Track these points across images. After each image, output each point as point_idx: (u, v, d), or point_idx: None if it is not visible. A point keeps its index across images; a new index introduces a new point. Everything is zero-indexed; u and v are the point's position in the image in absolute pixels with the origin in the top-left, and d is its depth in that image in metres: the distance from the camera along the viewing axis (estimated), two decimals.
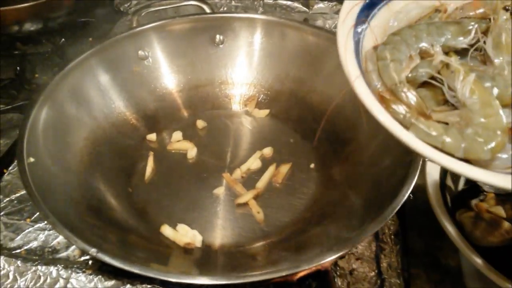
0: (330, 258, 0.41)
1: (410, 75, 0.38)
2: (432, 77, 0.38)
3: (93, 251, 0.40)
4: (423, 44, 0.39)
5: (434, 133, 0.35)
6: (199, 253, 0.55)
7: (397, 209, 0.45)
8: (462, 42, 0.39)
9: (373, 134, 0.59)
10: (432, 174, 0.56)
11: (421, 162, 0.50)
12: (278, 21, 0.71)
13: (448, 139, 0.35)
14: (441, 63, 0.37)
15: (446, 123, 0.36)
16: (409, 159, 0.50)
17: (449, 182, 0.59)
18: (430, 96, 0.38)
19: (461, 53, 0.40)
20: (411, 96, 0.37)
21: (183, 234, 0.56)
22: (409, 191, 0.46)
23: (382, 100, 0.37)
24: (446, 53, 0.39)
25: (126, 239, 0.53)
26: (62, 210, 0.48)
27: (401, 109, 0.36)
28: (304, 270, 0.42)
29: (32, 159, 0.50)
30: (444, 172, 0.59)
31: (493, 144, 0.34)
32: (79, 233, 0.43)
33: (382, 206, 0.47)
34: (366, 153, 0.60)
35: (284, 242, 0.54)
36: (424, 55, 0.39)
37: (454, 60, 0.37)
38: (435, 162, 0.34)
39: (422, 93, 0.38)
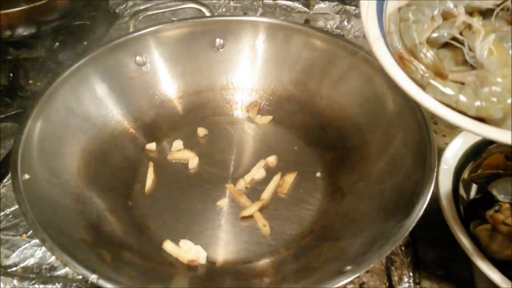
0: (342, 283, 0.39)
1: (432, 36, 0.38)
2: (454, 38, 0.38)
3: (93, 277, 0.38)
4: (447, 5, 0.39)
5: (449, 92, 0.36)
6: (203, 271, 0.52)
7: (412, 226, 0.43)
8: (488, 2, 0.39)
9: (384, 141, 0.57)
10: (445, 184, 0.54)
11: (435, 172, 0.48)
12: (282, 24, 0.68)
13: (462, 98, 0.36)
14: (463, 23, 0.38)
15: (463, 83, 0.37)
16: (423, 171, 0.47)
17: (461, 191, 0.57)
18: (450, 56, 0.39)
19: (487, 13, 0.40)
20: (430, 56, 0.37)
21: (186, 250, 0.54)
22: (424, 206, 0.44)
23: (401, 60, 0.37)
24: (470, 14, 0.39)
25: (127, 257, 0.51)
26: (60, 230, 0.45)
27: (419, 69, 0.37)
28: None
29: (27, 176, 0.47)
30: (456, 181, 0.57)
31: (505, 104, 0.35)
32: (78, 257, 0.40)
33: (396, 221, 0.45)
34: (376, 163, 0.57)
35: (293, 260, 0.51)
36: (447, 16, 0.39)
37: (476, 21, 0.38)
38: (446, 120, 0.35)
39: (443, 54, 0.39)
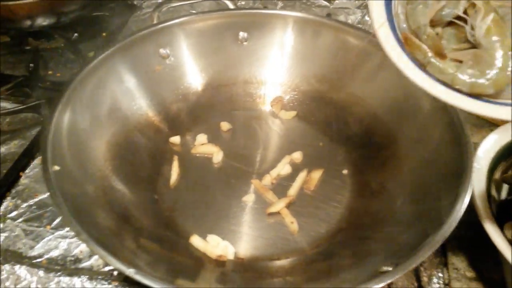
0: (381, 284, 0.38)
1: (438, 14, 0.39)
2: (458, 17, 0.39)
3: (130, 271, 0.37)
4: None
5: (446, 70, 0.38)
6: (230, 266, 0.52)
7: (452, 229, 0.42)
8: None
9: (416, 140, 0.56)
10: (478, 184, 0.53)
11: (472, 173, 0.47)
12: (311, 19, 0.67)
13: (458, 75, 0.37)
14: (468, 2, 0.38)
15: (462, 62, 0.38)
16: (459, 171, 0.46)
17: (493, 191, 0.56)
18: (453, 34, 0.40)
19: None
20: (431, 37, 0.38)
21: (214, 246, 0.53)
22: (463, 208, 0.43)
23: (406, 42, 0.39)
24: None
25: (155, 251, 0.50)
26: (91, 223, 0.45)
27: (422, 49, 0.38)
28: None
29: (57, 167, 0.47)
30: (489, 180, 0.56)
31: (497, 79, 0.36)
32: (113, 250, 0.40)
33: (431, 222, 0.44)
34: (407, 162, 0.56)
35: (322, 258, 0.51)
36: None
37: None
38: (441, 99, 0.37)
39: (448, 32, 0.40)
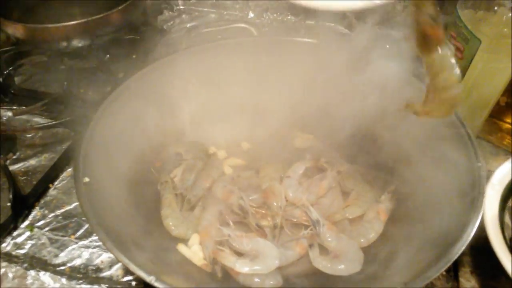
0: None
1: None
2: None
3: (151, 279, 0.40)
4: None
5: None
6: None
7: (459, 253, 0.43)
8: None
9: (431, 168, 0.57)
10: (491, 210, 0.54)
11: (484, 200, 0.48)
12: (326, 44, 0.70)
13: None
14: None
15: None
16: (471, 199, 0.48)
17: (506, 219, 0.57)
18: None
19: None
20: None
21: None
22: (472, 234, 0.44)
23: None
24: None
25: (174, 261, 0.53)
26: (116, 232, 0.47)
27: None
28: None
29: (87, 179, 0.50)
30: (502, 208, 0.56)
31: None
32: (135, 258, 0.42)
33: (441, 246, 0.45)
34: (420, 184, 0.58)
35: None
36: None
37: None
38: None
39: None
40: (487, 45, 0.60)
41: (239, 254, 0.53)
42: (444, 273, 0.59)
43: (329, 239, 0.55)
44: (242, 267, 0.51)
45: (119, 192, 0.56)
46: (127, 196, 0.56)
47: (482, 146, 0.79)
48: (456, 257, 0.42)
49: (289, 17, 0.98)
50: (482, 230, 0.53)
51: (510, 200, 0.59)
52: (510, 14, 0.58)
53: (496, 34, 0.59)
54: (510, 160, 0.59)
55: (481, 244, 0.53)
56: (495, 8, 0.60)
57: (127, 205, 0.55)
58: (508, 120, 0.75)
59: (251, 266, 0.51)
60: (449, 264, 0.42)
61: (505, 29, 0.59)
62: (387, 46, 1.00)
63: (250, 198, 0.60)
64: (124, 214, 0.54)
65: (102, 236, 0.43)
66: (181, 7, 1.05)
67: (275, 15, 0.99)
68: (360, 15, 1.02)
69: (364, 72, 0.66)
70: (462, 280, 0.58)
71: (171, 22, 1.03)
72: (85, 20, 0.87)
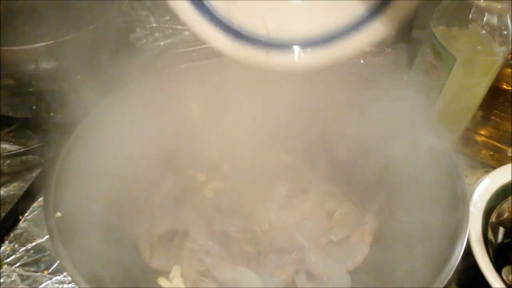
0: None
1: None
2: None
3: None
4: None
5: None
6: None
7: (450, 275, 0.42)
8: None
9: (412, 186, 0.57)
10: (474, 227, 0.54)
11: (468, 224, 0.47)
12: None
13: None
14: None
15: None
16: (456, 218, 0.47)
17: (490, 235, 0.57)
18: None
19: None
20: None
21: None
22: (460, 255, 0.44)
23: None
24: None
25: None
26: (90, 270, 0.45)
27: None
28: None
29: (59, 214, 0.47)
30: (485, 224, 0.56)
31: None
32: None
33: (429, 269, 0.44)
34: (403, 210, 0.57)
35: None
36: None
37: None
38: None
39: None
40: (462, 62, 0.61)
41: (222, 284, 0.52)
42: None
43: (316, 264, 0.54)
44: None
45: (95, 225, 0.53)
46: (104, 229, 0.53)
47: (460, 160, 0.79)
48: (446, 280, 0.41)
49: None
50: (467, 248, 0.53)
51: (492, 215, 0.59)
52: (483, 32, 0.59)
53: (470, 50, 0.60)
54: (489, 175, 0.60)
55: (466, 261, 0.53)
56: (468, 25, 0.61)
57: (104, 238, 0.52)
58: (483, 133, 0.76)
59: None
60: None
61: (479, 46, 0.59)
62: (361, 61, 1.01)
63: (233, 223, 0.58)
64: (100, 249, 0.51)
65: (77, 278, 0.40)
66: (154, 24, 1.03)
67: None
68: None
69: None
70: None
71: (144, 41, 1.01)
72: (54, 41, 0.83)
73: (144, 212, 0.61)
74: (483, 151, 0.77)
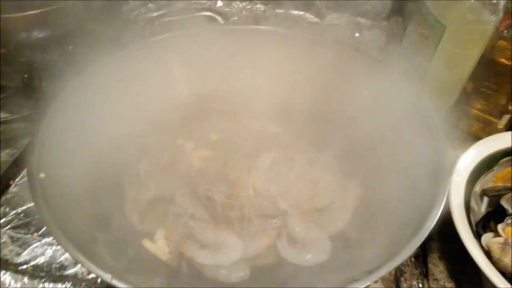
0: None
1: None
2: None
3: (107, 277, 0.38)
4: None
5: None
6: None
7: (422, 239, 0.43)
8: None
9: (395, 152, 0.57)
10: (457, 196, 0.55)
11: (447, 190, 0.48)
12: (298, 35, 0.69)
13: None
14: None
15: None
16: (435, 183, 0.47)
17: (473, 203, 0.57)
18: None
19: None
20: None
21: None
22: (436, 219, 0.44)
23: None
24: None
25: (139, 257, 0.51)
26: (74, 229, 0.46)
27: None
28: None
29: (43, 175, 0.48)
30: (468, 194, 0.57)
31: None
32: (93, 257, 0.41)
33: (408, 233, 0.45)
34: (386, 173, 0.57)
35: None
36: None
37: None
38: None
39: None
40: (452, 31, 0.60)
41: (204, 246, 0.52)
42: (413, 259, 0.59)
43: (297, 229, 0.54)
44: (204, 259, 0.50)
45: (79, 187, 0.53)
46: (88, 191, 0.54)
47: (452, 133, 0.79)
48: (419, 243, 0.42)
49: (258, 6, 0.96)
50: (449, 216, 0.54)
51: (477, 185, 0.59)
52: (473, 0, 0.58)
53: (460, 19, 0.59)
54: (474, 146, 0.60)
55: (448, 229, 0.54)
56: None
57: (88, 201, 0.53)
58: (477, 106, 0.76)
59: (213, 257, 0.50)
60: (413, 250, 0.42)
61: (469, 15, 0.59)
62: (356, 35, 1.00)
63: (218, 189, 0.59)
64: (84, 210, 0.52)
65: (56, 234, 0.41)
66: None
67: (244, 3, 0.97)
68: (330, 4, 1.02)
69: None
70: (430, 265, 0.59)
71: (137, 12, 1.00)
72: (46, 9, 0.83)
73: (131, 178, 0.61)
74: (475, 124, 0.77)
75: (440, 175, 0.49)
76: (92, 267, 0.39)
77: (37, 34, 0.86)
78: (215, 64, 0.71)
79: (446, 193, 0.46)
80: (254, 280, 0.51)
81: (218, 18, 0.74)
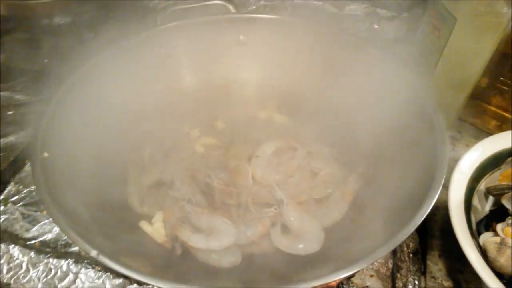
0: (338, 278, 0.39)
1: None
2: None
3: (94, 253, 0.40)
4: None
5: None
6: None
7: (412, 230, 0.42)
8: None
9: (398, 147, 0.56)
10: (456, 193, 0.53)
11: (443, 179, 0.46)
12: (311, 26, 0.68)
13: None
14: None
15: None
16: (432, 178, 0.46)
17: (475, 202, 0.56)
18: None
19: None
20: None
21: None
22: (426, 213, 0.43)
23: None
24: None
25: (136, 240, 0.53)
26: (73, 209, 0.48)
27: None
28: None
29: (46, 154, 0.50)
30: (470, 191, 0.55)
31: None
32: (85, 234, 0.42)
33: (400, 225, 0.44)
34: (388, 167, 0.57)
35: None
36: None
37: None
38: None
39: None
40: (463, 24, 0.58)
41: (198, 230, 0.54)
42: (411, 255, 0.58)
43: (292, 219, 0.55)
44: (196, 242, 0.51)
45: (83, 169, 0.55)
46: (91, 172, 0.56)
47: (465, 129, 0.77)
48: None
49: None
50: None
51: (481, 183, 0.58)
52: None
53: (472, 12, 0.57)
54: (480, 142, 0.58)
55: (449, 226, 0.52)
56: None
57: (91, 182, 0.55)
58: (492, 103, 0.73)
59: (206, 242, 0.51)
60: (397, 244, 0.41)
61: (481, 7, 0.56)
62: (375, 26, 0.98)
63: (218, 176, 0.60)
64: (86, 191, 0.54)
65: (49, 208, 0.43)
66: None
67: None
68: None
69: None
70: (429, 263, 0.58)
71: (156, 0, 1.01)
72: None
73: (136, 162, 0.63)
74: (492, 122, 0.74)
75: (437, 167, 0.48)
76: (79, 241, 0.40)
77: (59, 20, 0.89)
78: (223, 53, 0.72)
79: (441, 187, 0.45)
80: (245, 267, 0.52)
81: (230, 7, 0.74)
